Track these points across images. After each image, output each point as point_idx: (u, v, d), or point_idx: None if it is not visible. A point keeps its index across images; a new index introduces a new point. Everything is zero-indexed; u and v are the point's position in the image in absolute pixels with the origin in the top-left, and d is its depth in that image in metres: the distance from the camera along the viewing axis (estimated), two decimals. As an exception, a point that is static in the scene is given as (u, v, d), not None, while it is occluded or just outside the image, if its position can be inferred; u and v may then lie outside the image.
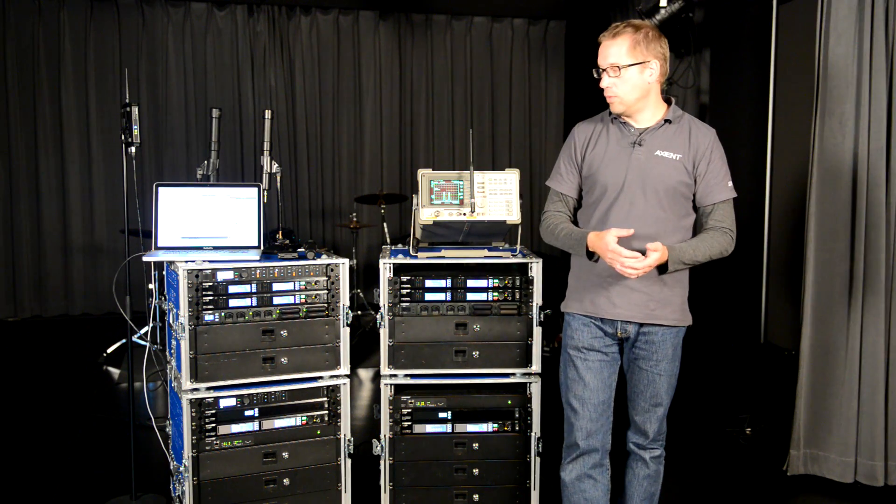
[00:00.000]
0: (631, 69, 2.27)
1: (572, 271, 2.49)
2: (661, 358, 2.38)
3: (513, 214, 2.79)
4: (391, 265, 2.86)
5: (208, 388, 2.70)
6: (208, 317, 2.69)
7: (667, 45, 2.32)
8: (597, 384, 2.41)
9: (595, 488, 2.46)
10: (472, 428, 2.90)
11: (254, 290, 2.74)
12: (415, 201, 2.83)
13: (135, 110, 3.06)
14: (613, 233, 2.20)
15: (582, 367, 2.42)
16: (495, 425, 2.90)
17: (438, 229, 2.87)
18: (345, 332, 2.85)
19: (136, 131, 3.06)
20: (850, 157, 3.34)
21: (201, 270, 2.68)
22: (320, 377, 2.84)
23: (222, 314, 2.70)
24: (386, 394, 2.87)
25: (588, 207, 2.42)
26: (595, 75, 2.34)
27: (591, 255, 2.31)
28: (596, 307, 2.38)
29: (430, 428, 2.89)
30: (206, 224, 2.86)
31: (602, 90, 2.34)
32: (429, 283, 2.86)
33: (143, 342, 4.89)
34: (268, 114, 3.10)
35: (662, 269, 2.27)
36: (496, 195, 2.78)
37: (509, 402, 2.90)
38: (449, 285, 2.87)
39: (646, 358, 2.39)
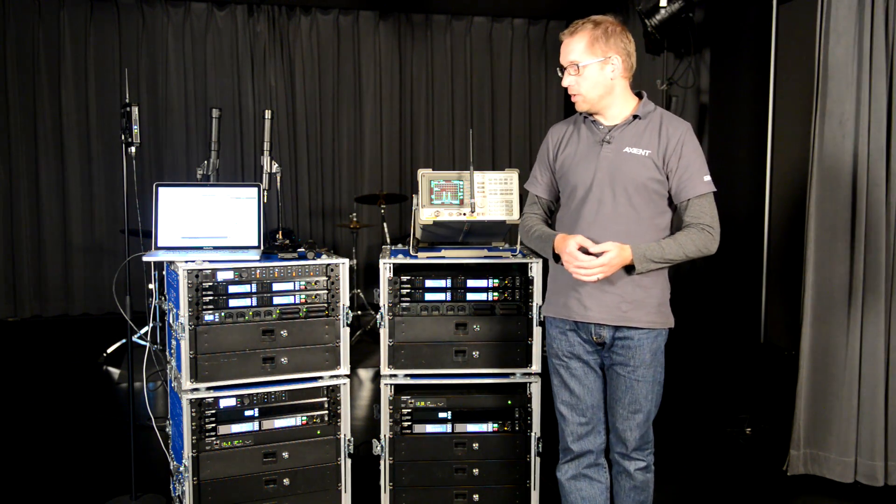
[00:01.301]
0: (591, 67, 2.23)
1: (550, 274, 2.45)
2: (638, 363, 2.28)
3: (513, 214, 2.80)
4: (391, 265, 2.86)
5: (208, 388, 2.70)
6: (208, 317, 2.69)
7: (630, 40, 2.27)
8: (582, 391, 2.38)
9: (592, 486, 2.45)
10: (472, 428, 2.89)
11: (254, 290, 2.74)
12: (415, 201, 2.83)
13: (135, 110, 3.06)
14: (577, 240, 2.18)
15: (565, 375, 2.39)
16: (495, 425, 2.90)
17: (438, 229, 2.87)
18: (345, 332, 2.85)
19: (136, 131, 3.06)
20: (850, 157, 3.34)
21: (201, 270, 2.68)
22: (320, 377, 2.84)
23: (222, 314, 2.70)
24: (386, 394, 2.87)
25: (562, 208, 2.41)
26: (559, 74, 2.31)
27: (557, 258, 2.28)
28: (568, 310, 2.32)
29: (430, 428, 2.89)
30: (206, 224, 2.86)
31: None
32: (429, 283, 2.86)
33: (143, 342, 4.90)
34: (268, 114, 3.10)
35: (632, 269, 2.21)
36: (496, 195, 2.78)
37: (509, 402, 2.90)
38: (449, 285, 2.87)
39: (623, 364, 2.29)
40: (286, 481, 2.79)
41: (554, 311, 2.39)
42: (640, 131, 2.26)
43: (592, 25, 2.25)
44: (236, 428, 2.74)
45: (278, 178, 3.05)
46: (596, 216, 2.26)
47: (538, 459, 2.91)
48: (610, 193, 2.24)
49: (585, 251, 2.18)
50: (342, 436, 2.86)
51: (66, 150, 6.89)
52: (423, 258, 2.91)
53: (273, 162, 3.05)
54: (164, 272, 3.07)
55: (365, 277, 7.37)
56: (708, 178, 2.24)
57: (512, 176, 2.82)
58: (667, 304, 2.33)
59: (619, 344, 2.29)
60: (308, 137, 7.42)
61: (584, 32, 2.24)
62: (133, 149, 3.10)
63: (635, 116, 2.27)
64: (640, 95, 2.33)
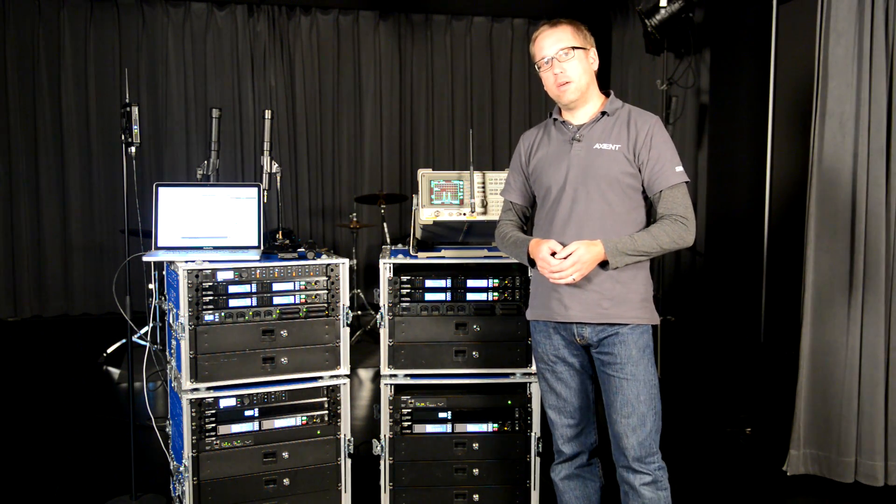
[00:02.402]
0: (579, 52, 2.26)
1: (532, 277, 2.45)
2: (624, 361, 2.21)
3: (513, 214, 2.79)
4: (391, 265, 2.86)
5: (208, 388, 2.70)
6: (208, 317, 2.69)
7: None
8: (569, 394, 2.36)
9: (585, 486, 2.44)
10: (472, 428, 2.90)
11: (254, 290, 2.74)
12: (415, 201, 2.83)
13: (135, 110, 3.06)
14: (550, 245, 2.18)
15: (551, 379, 2.37)
16: (495, 425, 2.90)
17: (438, 229, 2.87)
18: (345, 332, 2.85)
19: (136, 131, 3.06)
20: (850, 157, 3.34)
21: (201, 270, 2.68)
22: (320, 377, 2.84)
23: (222, 314, 2.70)
24: (386, 394, 2.87)
25: (538, 210, 2.41)
26: (538, 69, 2.31)
27: (533, 263, 2.27)
28: (550, 311, 2.31)
29: (430, 428, 2.89)
30: (206, 224, 2.86)
31: (547, 91, 2.32)
32: (429, 283, 2.86)
33: (143, 342, 4.90)
34: (268, 114, 3.10)
35: (608, 264, 2.19)
36: (496, 195, 2.78)
37: (509, 402, 2.90)
38: (449, 285, 2.87)
39: (610, 363, 2.24)
40: (286, 481, 2.79)
41: (537, 314, 2.38)
42: (610, 127, 2.27)
43: (569, 20, 2.30)
44: (236, 428, 2.74)
45: (278, 178, 3.05)
46: (571, 214, 2.25)
47: (538, 459, 2.91)
48: (584, 191, 2.24)
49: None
50: (342, 436, 2.86)
51: (66, 150, 6.90)
52: (423, 258, 2.91)
53: (273, 162, 3.05)
54: (164, 272, 3.07)
55: (365, 277, 7.37)
56: (680, 168, 2.23)
57: (512, 176, 2.81)
58: (650, 300, 2.29)
59: (606, 342, 2.25)
60: (308, 137, 7.42)
61: (566, 24, 2.29)
62: (133, 149, 3.10)
63: (603, 113, 2.28)
64: (607, 94, 2.35)
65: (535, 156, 2.39)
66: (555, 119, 2.37)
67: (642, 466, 2.23)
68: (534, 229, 2.41)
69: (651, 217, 2.30)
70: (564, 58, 2.25)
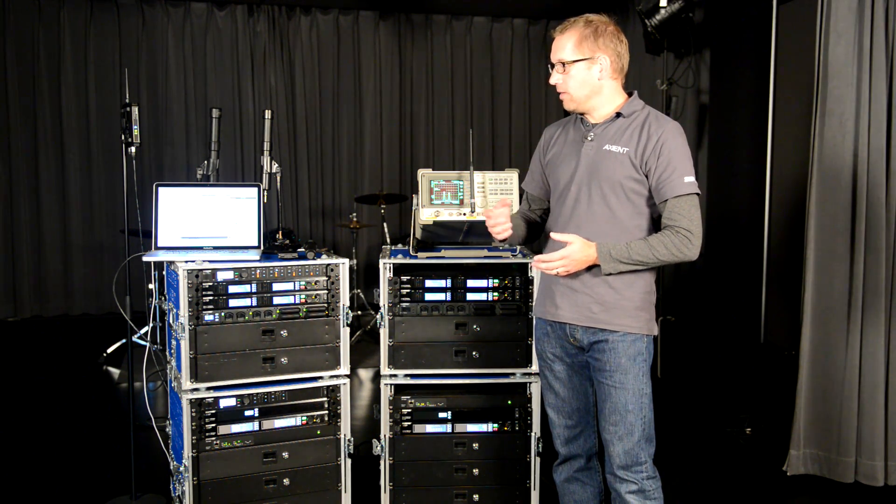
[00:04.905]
0: (577, 65, 2.19)
1: (537, 273, 2.46)
2: (613, 368, 2.17)
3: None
4: (391, 265, 2.86)
5: (208, 388, 2.70)
6: (208, 317, 2.69)
7: (622, 41, 2.22)
8: (567, 393, 2.34)
9: (584, 490, 2.44)
10: (472, 428, 2.90)
11: (254, 290, 2.74)
12: (415, 201, 2.83)
13: (135, 110, 3.06)
14: (550, 234, 2.20)
15: (550, 377, 2.37)
16: (495, 425, 2.90)
17: (438, 229, 2.87)
18: (345, 332, 2.85)
19: (136, 131, 3.06)
20: (850, 157, 3.34)
21: (201, 270, 2.68)
22: (320, 377, 2.84)
23: (222, 314, 2.70)
24: (386, 394, 2.87)
25: (552, 206, 2.41)
26: (550, 70, 2.29)
27: None
28: (544, 309, 2.32)
29: (430, 428, 2.89)
30: (206, 224, 2.86)
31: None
32: (429, 284, 2.86)
33: (143, 342, 4.90)
34: (268, 114, 3.10)
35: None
36: (496, 195, 2.78)
37: (509, 402, 2.90)
38: (449, 285, 2.87)
39: (599, 369, 2.21)
40: (286, 481, 2.79)
41: (537, 310, 2.40)
42: (623, 129, 2.21)
43: (584, 24, 2.22)
44: (236, 428, 2.74)
45: (278, 178, 3.05)
46: (572, 214, 2.24)
47: (538, 459, 2.91)
48: (586, 191, 2.21)
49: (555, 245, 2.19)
50: (342, 436, 2.86)
51: (66, 150, 6.89)
52: (423, 258, 2.91)
53: (273, 162, 3.05)
54: (164, 272, 3.07)
55: (365, 277, 7.37)
56: (690, 179, 2.13)
57: (512, 176, 2.81)
58: (647, 309, 2.23)
59: (595, 348, 2.22)
60: (308, 137, 7.42)
61: (573, 30, 2.22)
62: (133, 149, 3.10)
63: (618, 114, 2.22)
64: (631, 95, 2.29)
65: (551, 150, 2.38)
66: (577, 116, 2.33)
67: (628, 475, 2.21)
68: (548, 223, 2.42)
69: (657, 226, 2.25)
70: (560, 69, 2.23)
